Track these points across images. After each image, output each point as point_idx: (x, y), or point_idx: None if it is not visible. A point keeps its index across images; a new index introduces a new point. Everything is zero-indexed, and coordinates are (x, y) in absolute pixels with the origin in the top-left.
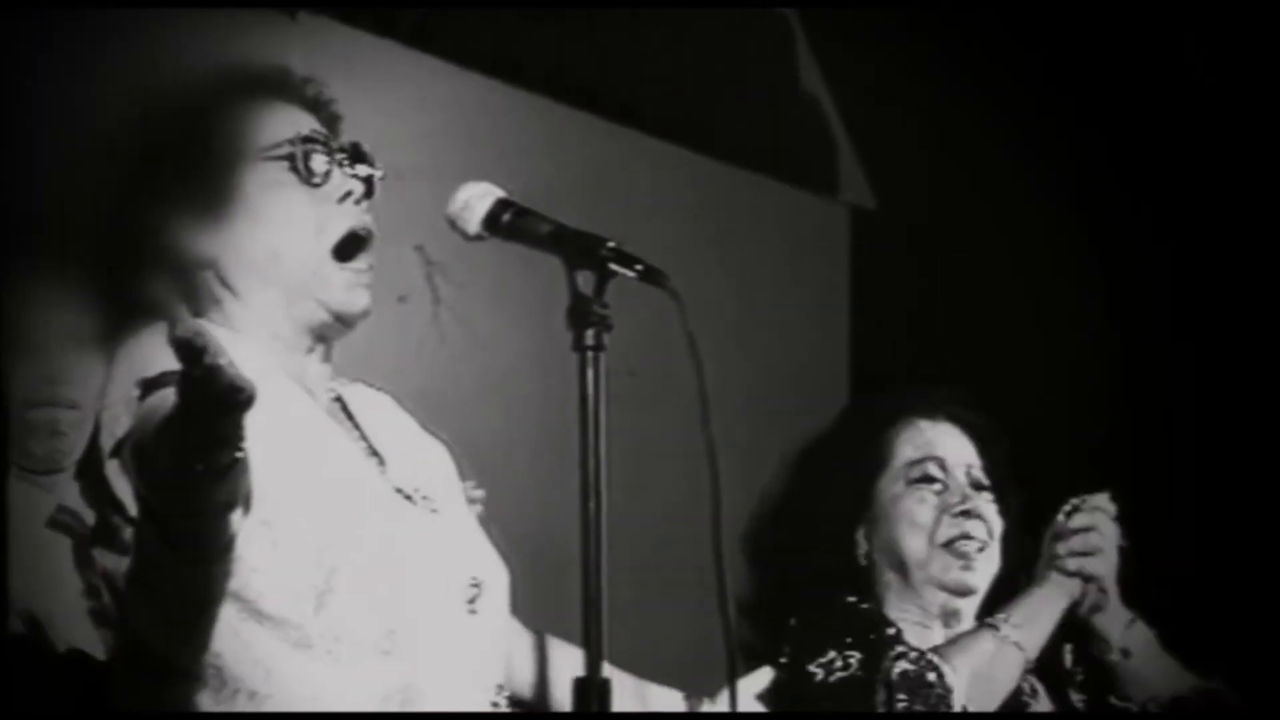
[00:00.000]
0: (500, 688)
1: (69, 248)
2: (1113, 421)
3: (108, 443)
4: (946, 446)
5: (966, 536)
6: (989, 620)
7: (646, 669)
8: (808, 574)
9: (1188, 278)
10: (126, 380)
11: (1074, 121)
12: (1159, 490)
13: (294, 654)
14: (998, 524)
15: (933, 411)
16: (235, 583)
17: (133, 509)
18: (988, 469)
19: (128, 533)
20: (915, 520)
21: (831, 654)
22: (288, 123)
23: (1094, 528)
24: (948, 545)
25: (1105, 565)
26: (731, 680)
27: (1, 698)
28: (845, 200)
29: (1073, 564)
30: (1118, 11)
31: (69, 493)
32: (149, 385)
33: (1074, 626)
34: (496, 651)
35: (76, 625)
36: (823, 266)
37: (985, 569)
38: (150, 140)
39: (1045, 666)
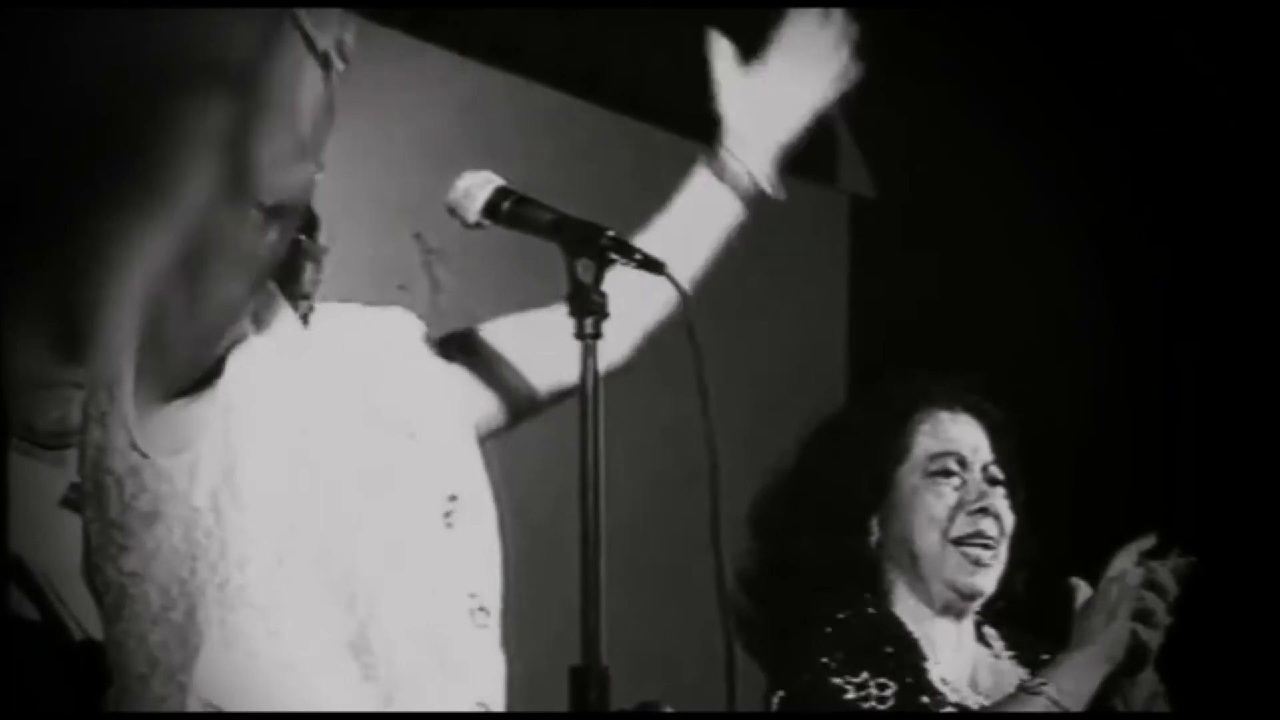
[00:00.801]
0: (478, 598)
1: (58, 234)
2: (1114, 415)
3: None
4: (966, 441)
5: (980, 534)
6: (1034, 685)
7: (646, 659)
8: (816, 555)
9: (1188, 270)
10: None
11: (1074, 112)
12: (1157, 488)
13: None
14: (1009, 520)
15: (952, 402)
16: (203, 500)
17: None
18: (1001, 463)
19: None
20: (931, 514)
21: (864, 675)
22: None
23: (1168, 593)
24: (961, 543)
25: (1158, 638)
26: (730, 673)
27: (14, 679)
28: (845, 189)
29: (1130, 630)
30: (1117, 5)
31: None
32: None
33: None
34: (475, 562)
35: (86, 604)
36: (822, 255)
37: (995, 569)
38: (110, 130)
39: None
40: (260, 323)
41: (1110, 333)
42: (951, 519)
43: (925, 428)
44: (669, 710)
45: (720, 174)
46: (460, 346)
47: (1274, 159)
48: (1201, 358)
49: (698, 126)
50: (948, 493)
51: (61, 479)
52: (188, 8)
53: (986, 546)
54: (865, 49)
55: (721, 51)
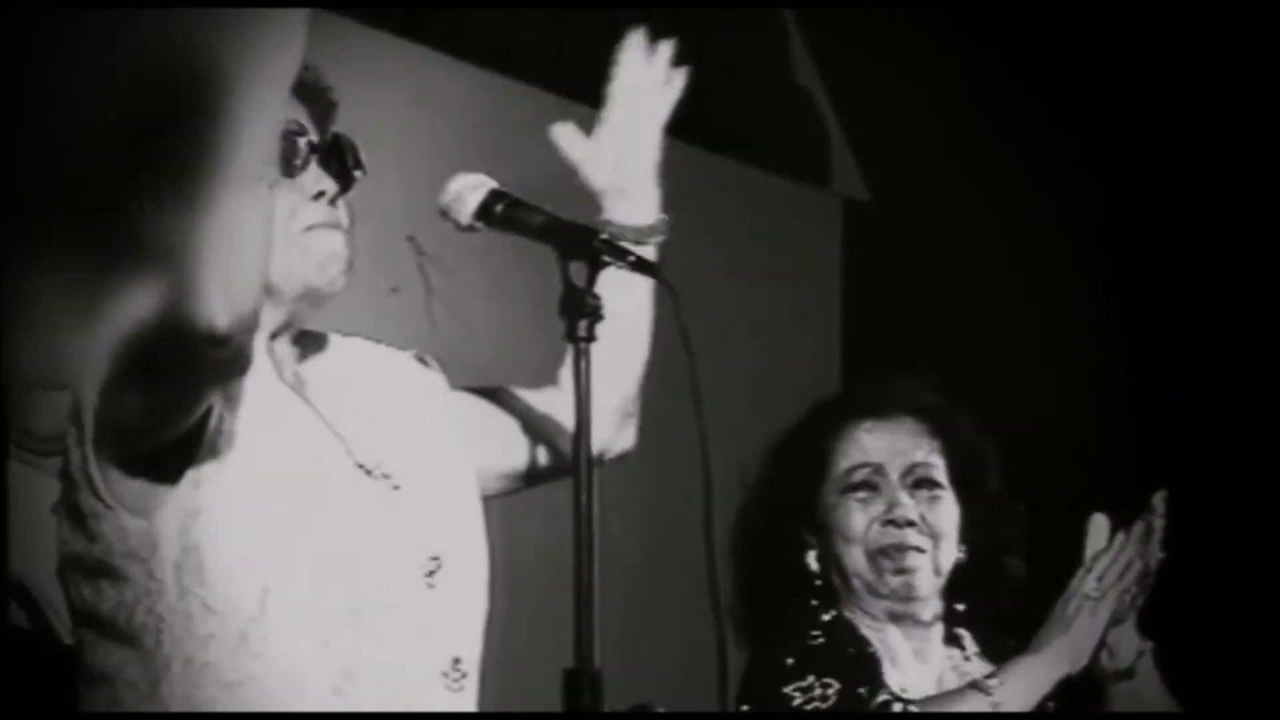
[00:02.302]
0: (456, 661)
1: (63, 232)
2: (1108, 413)
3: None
4: (886, 449)
5: (897, 545)
6: (981, 682)
7: (639, 662)
8: (772, 570)
9: (1188, 271)
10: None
11: (1069, 112)
12: (1153, 486)
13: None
14: (947, 520)
15: (884, 408)
16: (166, 573)
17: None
18: (949, 459)
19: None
20: (848, 531)
21: (810, 679)
22: None
23: (1141, 558)
24: (880, 553)
25: (1145, 582)
26: (723, 675)
27: (5, 688)
28: (838, 192)
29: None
30: (1116, 4)
31: None
32: None
33: None
34: (456, 623)
35: None
36: (816, 258)
37: (925, 572)
38: (134, 121)
39: None
40: (231, 403)
41: (1106, 327)
42: (868, 531)
43: (844, 443)
44: (662, 711)
45: (617, 233)
46: (481, 403)
47: (1274, 158)
48: (1200, 357)
49: (690, 129)
50: (863, 506)
51: (56, 485)
52: (186, 8)
53: (906, 553)
54: (859, 46)
55: (564, 136)
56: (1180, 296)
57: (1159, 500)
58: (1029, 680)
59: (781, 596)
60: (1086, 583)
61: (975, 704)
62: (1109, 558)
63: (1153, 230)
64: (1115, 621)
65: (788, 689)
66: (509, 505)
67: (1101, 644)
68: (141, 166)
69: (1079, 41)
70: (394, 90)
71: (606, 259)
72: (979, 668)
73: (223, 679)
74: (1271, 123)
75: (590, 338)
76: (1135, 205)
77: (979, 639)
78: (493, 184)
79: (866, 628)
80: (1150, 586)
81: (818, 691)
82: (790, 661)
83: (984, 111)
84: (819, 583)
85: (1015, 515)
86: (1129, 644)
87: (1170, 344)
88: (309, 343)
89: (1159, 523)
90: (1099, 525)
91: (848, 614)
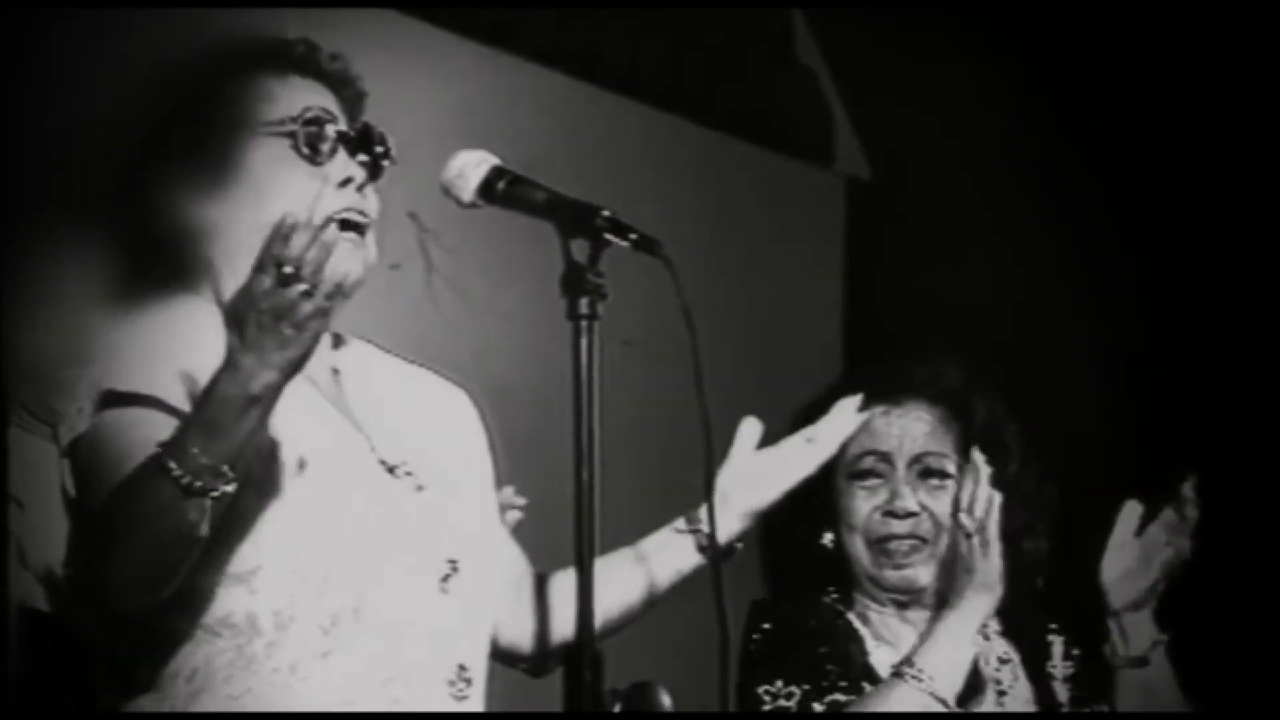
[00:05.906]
0: (462, 668)
1: (86, 214)
2: (1109, 400)
3: (65, 435)
4: (895, 437)
5: (892, 535)
6: (898, 669)
7: (638, 638)
8: (794, 552)
9: (1186, 258)
10: (95, 378)
11: (1073, 95)
12: (1154, 470)
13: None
14: (946, 509)
15: (900, 393)
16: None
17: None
18: (966, 446)
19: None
20: (851, 518)
21: (779, 683)
22: (298, 98)
23: (1171, 547)
24: (878, 543)
25: (1173, 572)
26: (724, 652)
27: (28, 673)
28: (841, 171)
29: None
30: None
31: None
32: (113, 399)
33: (1087, 622)
34: (465, 631)
35: None
36: (818, 237)
37: (926, 565)
38: (162, 108)
39: (1030, 657)
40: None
41: (1107, 311)
42: (868, 520)
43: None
44: (663, 690)
45: (692, 529)
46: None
47: (1272, 151)
48: (1200, 347)
49: (693, 107)
50: (866, 494)
51: None
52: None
53: (903, 545)
54: (862, 25)
55: (746, 436)
56: (1185, 285)
57: (1189, 489)
58: (953, 637)
59: (799, 579)
60: (961, 522)
61: (906, 694)
62: (969, 491)
63: (1156, 219)
64: (1134, 607)
65: (759, 690)
66: (509, 478)
67: (1115, 633)
68: (153, 158)
69: (1083, 27)
70: (397, 67)
71: (608, 236)
72: (999, 646)
73: (226, 692)
74: (1268, 114)
75: (593, 315)
76: (1139, 194)
77: (1000, 618)
78: (495, 161)
79: (873, 613)
80: (1177, 576)
81: (782, 695)
82: (767, 657)
83: (987, 91)
84: (834, 567)
85: (1040, 498)
86: (1144, 632)
87: (1191, 330)
88: (339, 341)
89: (1192, 512)
90: (1131, 510)
91: (858, 598)
